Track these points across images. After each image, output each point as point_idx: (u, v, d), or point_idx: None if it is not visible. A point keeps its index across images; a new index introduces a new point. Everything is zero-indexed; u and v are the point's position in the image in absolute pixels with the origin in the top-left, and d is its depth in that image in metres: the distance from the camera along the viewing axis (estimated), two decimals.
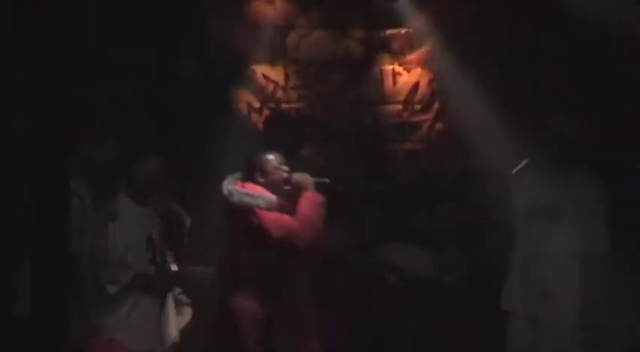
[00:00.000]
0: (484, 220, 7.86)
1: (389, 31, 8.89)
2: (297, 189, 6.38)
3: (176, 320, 7.08)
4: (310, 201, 6.29)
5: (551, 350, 6.92)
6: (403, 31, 8.87)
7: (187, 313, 7.27)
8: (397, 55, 8.94)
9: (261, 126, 9.06)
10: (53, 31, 6.46)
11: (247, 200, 6.28)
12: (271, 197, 6.31)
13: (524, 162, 6.90)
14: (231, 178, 6.48)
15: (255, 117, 9.04)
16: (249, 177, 6.45)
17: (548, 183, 6.92)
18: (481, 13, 8.52)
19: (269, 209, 6.26)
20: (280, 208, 6.31)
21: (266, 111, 9.07)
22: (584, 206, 6.80)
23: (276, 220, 6.21)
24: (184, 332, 7.12)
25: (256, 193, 6.32)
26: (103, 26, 8.27)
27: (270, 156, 6.51)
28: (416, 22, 8.75)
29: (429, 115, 8.90)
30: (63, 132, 6.49)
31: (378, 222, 8.42)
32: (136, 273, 6.70)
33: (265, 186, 6.37)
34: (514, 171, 6.93)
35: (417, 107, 8.91)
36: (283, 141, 7.93)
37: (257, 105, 9.05)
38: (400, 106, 8.93)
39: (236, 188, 6.37)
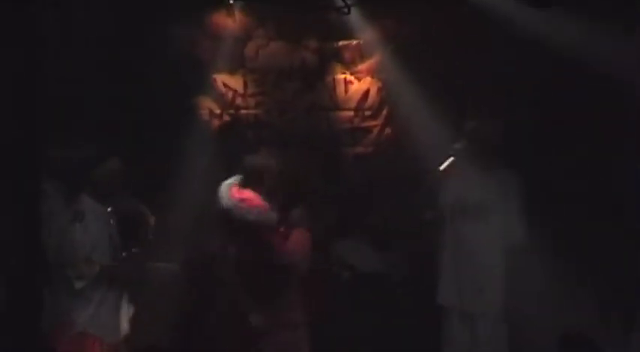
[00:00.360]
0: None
1: (341, 43, 9.09)
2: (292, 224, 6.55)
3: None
4: (304, 237, 6.51)
5: (484, 343, 7.10)
6: (354, 42, 9.06)
7: (131, 308, 7.34)
8: (349, 65, 9.14)
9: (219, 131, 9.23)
10: (27, 37, 6.46)
11: (242, 213, 6.43)
12: (266, 213, 6.41)
13: (451, 159, 7.06)
14: (228, 183, 6.62)
15: (215, 122, 9.15)
16: (248, 183, 6.57)
17: (472, 182, 7.13)
18: (424, 28, 8.72)
19: (263, 223, 6.42)
20: (273, 222, 6.47)
21: (226, 117, 9.16)
22: (505, 202, 7.02)
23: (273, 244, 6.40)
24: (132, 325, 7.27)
25: (252, 207, 6.42)
26: (72, 35, 8.43)
27: (271, 163, 6.63)
28: (366, 35, 8.94)
29: (379, 121, 9.09)
30: (34, 133, 6.45)
31: (333, 221, 8.56)
32: (101, 268, 6.78)
33: (263, 193, 6.52)
34: (441, 168, 7.09)
35: (367, 113, 9.12)
36: (236, 147, 8.12)
37: (218, 111, 9.17)
38: (352, 112, 9.14)
39: (233, 198, 6.50)
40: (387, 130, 9.09)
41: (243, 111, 9.18)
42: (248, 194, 6.53)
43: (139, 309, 7.28)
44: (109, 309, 6.92)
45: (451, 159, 7.10)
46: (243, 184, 6.58)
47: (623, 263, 7.53)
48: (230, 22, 9.03)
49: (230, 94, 9.18)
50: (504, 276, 7.15)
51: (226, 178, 6.89)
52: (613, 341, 7.12)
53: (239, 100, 9.19)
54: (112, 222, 7.03)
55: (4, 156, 6.35)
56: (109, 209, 7.04)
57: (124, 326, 7.05)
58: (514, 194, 7.09)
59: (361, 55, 9.11)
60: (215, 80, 9.16)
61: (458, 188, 7.20)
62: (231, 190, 6.60)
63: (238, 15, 9.02)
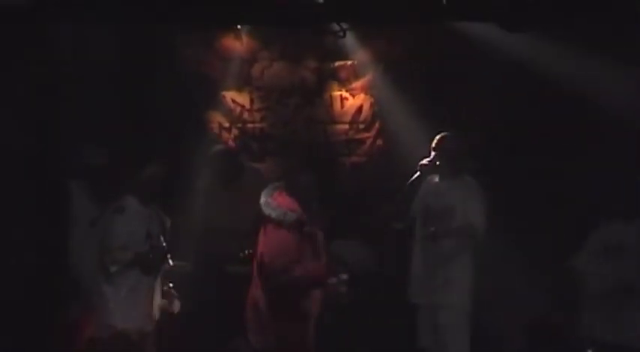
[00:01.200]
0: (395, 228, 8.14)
1: (337, 63, 9.36)
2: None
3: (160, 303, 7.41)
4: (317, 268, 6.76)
5: (453, 334, 7.31)
6: (349, 62, 9.33)
7: (177, 305, 7.66)
8: (344, 83, 9.40)
9: (231, 142, 9.39)
10: (48, 52, 7.11)
11: (269, 210, 6.79)
12: (289, 215, 6.73)
13: (417, 174, 7.42)
14: (275, 186, 6.98)
15: (225, 134, 9.42)
16: (289, 190, 6.90)
17: (439, 189, 7.46)
18: (412, 49, 9.05)
19: (289, 225, 6.73)
20: (299, 225, 6.77)
21: (234, 130, 9.39)
22: (468, 203, 7.33)
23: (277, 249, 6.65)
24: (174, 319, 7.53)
25: (282, 207, 6.76)
26: (92, 53, 8.60)
27: (310, 179, 6.90)
28: (360, 56, 9.23)
29: (371, 133, 9.36)
30: (61, 143, 7.19)
31: (329, 222, 8.34)
32: (134, 254, 7.11)
33: (300, 200, 6.85)
34: (408, 182, 7.44)
35: (361, 126, 9.37)
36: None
37: (226, 124, 9.44)
38: (347, 126, 9.40)
39: (269, 197, 6.84)
40: (379, 142, 9.33)
41: (249, 125, 9.42)
42: (284, 199, 6.86)
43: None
44: (141, 295, 7.22)
45: (417, 174, 7.43)
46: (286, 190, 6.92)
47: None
48: (238, 45, 9.28)
49: (238, 109, 9.43)
50: (469, 271, 7.37)
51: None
52: (576, 324, 7.34)
53: (246, 115, 9.43)
54: (153, 221, 7.34)
55: (33, 163, 6.90)
56: (149, 209, 7.33)
57: (155, 313, 7.33)
58: (475, 197, 7.34)
59: (355, 74, 9.36)
60: (224, 97, 9.42)
61: (426, 196, 7.49)
62: (273, 192, 6.94)
63: (245, 39, 9.26)
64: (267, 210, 6.81)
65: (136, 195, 7.29)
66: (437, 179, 7.59)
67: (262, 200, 6.86)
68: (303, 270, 6.74)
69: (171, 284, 7.58)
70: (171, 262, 7.48)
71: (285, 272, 6.75)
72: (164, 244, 7.36)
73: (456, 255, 7.38)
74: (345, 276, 6.93)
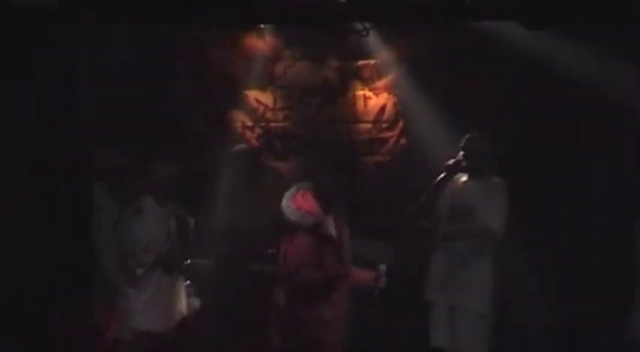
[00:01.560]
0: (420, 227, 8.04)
1: (360, 62, 9.35)
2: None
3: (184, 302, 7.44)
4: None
5: (468, 335, 7.32)
6: (372, 62, 9.32)
7: (196, 302, 7.72)
8: (367, 82, 9.39)
9: (254, 141, 9.45)
10: (70, 61, 7.10)
11: (287, 212, 6.94)
12: (307, 218, 6.87)
13: (442, 175, 7.47)
14: (299, 187, 7.08)
15: (248, 133, 9.48)
16: (315, 192, 7.02)
17: (463, 190, 7.48)
18: (435, 48, 9.04)
19: (305, 228, 6.88)
20: (316, 229, 6.92)
21: (257, 129, 9.44)
22: (489, 204, 7.33)
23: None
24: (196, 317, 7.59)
25: (300, 210, 6.90)
26: (118, 52, 8.74)
27: (335, 175, 7.07)
28: (383, 55, 9.22)
29: (394, 132, 9.35)
30: (86, 145, 7.23)
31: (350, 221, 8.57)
32: (157, 255, 7.17)
33: (322, 204, 6.99)
34: (434, 182, 7.48)
35: (384, 125, 9.37)
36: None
37: (250, 124, 9.49)
38: (370, 125, 9.39)
39: (290, 200, 6.97)
40: (402, 141, 9.33)
41: (272, 124, 9.48)
42: (305, 201, 7.00)
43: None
44: (165, 295, 7.26)
45: (443, 174, 7.50)
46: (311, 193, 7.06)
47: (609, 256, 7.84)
48: (261, 44, 9.36)
49: (261, 109, 9.50)
50: (488, 273, 7.38)
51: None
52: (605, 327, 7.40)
53: (269, 114, 9.49)
54: (171, 221, 7.38)
55: (56, 166, 6.96)
56: (167, 209, 7.36)
57: (180, 312, 7.37)
58: (497, 198, 7.36)
59: (378, 73, 9.35)
60: (247, 96, 9.48)
61: (451, 196, 7.50)
62: (295, 194, 7.07)
63: (268, 38, 9.33)
64: (286, 213, 6.95)
65: (152, 195, 7.34)
66: (463, 179, 7.61)
67: (284, 202, 6.98)
68: (317, 272, 6.91)
69: (188, 282, 7.62)
70: (189, 261, 7.54)
71: (299, 274, 6.93)
72: (184, 243, 7.41)
73: (474, 256, 7.40)
74: (383, 267, 7.15)
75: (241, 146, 8.96)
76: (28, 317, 7.07)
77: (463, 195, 7.52)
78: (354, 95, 9.47)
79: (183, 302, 7.46)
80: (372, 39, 8.81)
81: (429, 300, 7.54)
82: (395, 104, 9.42)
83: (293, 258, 6.88)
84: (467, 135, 7.58)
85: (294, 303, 6.97)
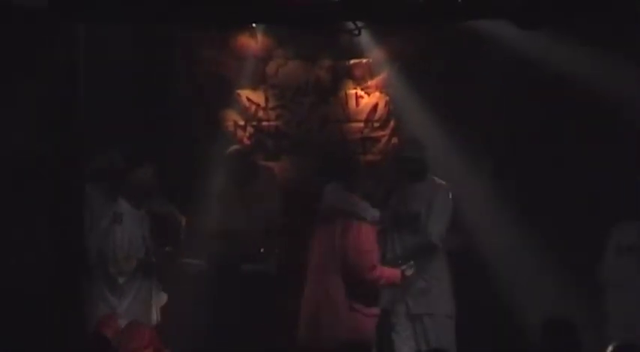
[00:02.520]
0: None
1: (352, 61, 9.37)
2: None
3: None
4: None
5: (438, 339, 7.47)
6: (364, 61, 9.34)
7: (164, 297, 7.71)
8: (359, 81, 9.41)
9: (246, 140, 9.37)
10: (66, 56, 6.95)
11: (349, 207, 7.02)
12: (374, 210, 7.00)
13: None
14: (336, 184, 7.20)
15: (240, 133, 9.43)
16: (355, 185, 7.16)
17: (406, 196, 7.68)
18: (427, 47, 9.11)
19: (373, 220, 6.99)
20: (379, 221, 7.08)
21: (249, 129, 9.40)
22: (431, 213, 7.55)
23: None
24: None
25: (363, 202, 6.99)
26: (109, 55, 8.63)
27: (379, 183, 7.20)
28: (374, 54, 9.26)
29: (386, 131, 9.38)
30: (77, 146, 7.02)
31: None
32: (137, 262, 7.23)
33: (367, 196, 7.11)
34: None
35: (376, 124, 9.40)
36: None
37: (242, 123, 9.44)
38: (362, 124, 9.42)
39: (344, 193, 7.07)
40: (394, 140, 9.34)
41: (264, 123, 9.45)
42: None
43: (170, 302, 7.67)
44: (142, 300, 7.37)
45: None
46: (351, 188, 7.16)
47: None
48: (253, 43, 9.33)
49: (253, 108, 9.46)
50: (447, 274, 7.58)
51: None
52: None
53: (261, 113, 9.47)
54: (145, 223, 7.43)
55: (48, 168, 6.86)
56: (143, 211, 7.41)
57: (156, 314, 7.44)
58: (438, 202, 7.58)
59: (370, 72, 9.39)
60: (239, 95, 9.44)
61: (395, 202, 7.75)
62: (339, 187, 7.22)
63: (260, 37, 9.30)
64: (346, 206, 6.96)
65: (128, 198, 7.36)
66: (406, 184, 7.82)
67: (336, 195, 7.03)
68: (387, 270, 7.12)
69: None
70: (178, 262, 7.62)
71: (374, 269, 7.04)
72: (175, 243, 7.52)
73: (429, 262, 7.55)
74: (412, 261, 7.10)
75: (234, 147, 8.96)
76: (20, 318, 7.03)
77: (406, 201, 7.66)
78: (346, 94, 9.50)
79: (159, 305, 7.52)
80: (364, 38, 8.78)
81: (386, 309, 7.60)
82: (387, 103, 9.45)
83: (365, 253, 6.96)
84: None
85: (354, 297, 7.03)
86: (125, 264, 7.24)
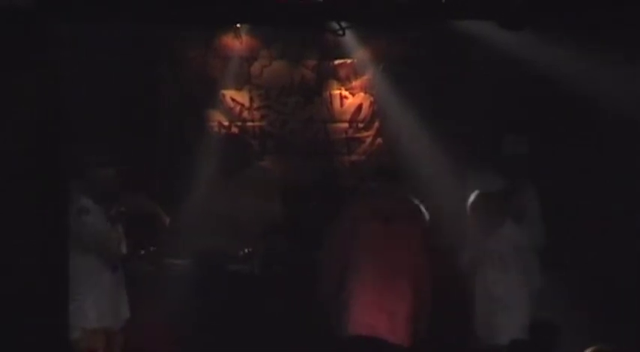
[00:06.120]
0: None
1: (337, 62, 9.40)
2: None
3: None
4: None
5: None
6: (349, 61, 9.37)
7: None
8: (344, 82, 9.45)
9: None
10: (48, 55, 6.68)
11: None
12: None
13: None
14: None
15: (224, 133, 9.34)
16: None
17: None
18: (412, 48, 9.18)
19: None
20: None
21: (234, 129, 9.39)
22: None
23: None
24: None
25: None
26: (92, 56, 8.63)
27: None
28: (359, 54, 9.27)
29: (371, 132, 9.43)
30: (61, 147, 6.76)
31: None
32: (107, 259, 7.17)
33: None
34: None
35: (361, 125, 9.44)
36: (231, 158, 8.50)
37: (226, 123, 9.42)
38: (346, 124, 9.46)
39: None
40: (378, 140, 9.42)
41: (249, 124, 9.45)
42: None
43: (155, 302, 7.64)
44: (110, 294, 7.28)
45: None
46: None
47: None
48: (237, 44, 9.33)
49: (237, 108, 9.46)
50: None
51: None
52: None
53: (245, 113, 9.47)
54: (117, 222, 7.35)
55: (30, 159, 6.57)
56: (122, 209, 7.35)
57: (125, 311, 7.40)
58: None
59: (355, 72, 9.42)
60: (224, 95, 9.44)
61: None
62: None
63: (245, 37, 9.31)
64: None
65: (91, 196, 7.29)
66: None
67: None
68: None
69: None
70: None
71: None
72: (158, 242, 7.55)
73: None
74: None
75: (233, 133, 9.02)
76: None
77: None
78: (331, 95, 9.53)
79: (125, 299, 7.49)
80: (349, 38, 8.79)
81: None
82: (371, 104, 9.49)
83: None
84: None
85: None
86: (93, 256, 7.19)
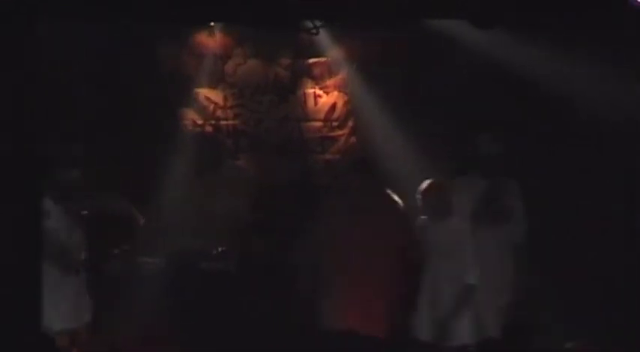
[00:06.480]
0: None
1: (311, 60, 9.39)
2: None
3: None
4: None
5: None
6: (323, 60, 9.37)
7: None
8: (318, 80, 9.44)
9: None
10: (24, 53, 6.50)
11: None
12: None
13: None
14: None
15: (198, 131, 9.27)
16: None
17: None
18: (385, 47, 9.14)
19: None
20: None
21: (208, 127, 9.38)
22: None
23: None
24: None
25: None
26: (65, 52, 8.70)
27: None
28: (333, 53, 9.29)
29: (345, 131, 9.43)
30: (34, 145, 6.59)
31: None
32: (70, 262, 7.22)
33: None
34: None
35: (335, 124, 9.45)
36: (204, 155, 8.52)
37: (200, 122, 9.41)
38: (320, 123, 9.46)
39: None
40: (352, 139, 9.42)
41: (223, 122, 9.44)
42: None
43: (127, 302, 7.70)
44: (71, 296, 7.31)
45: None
46: None
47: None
48: (211, 42, 9.33)
49: (211, 107, 9.45)
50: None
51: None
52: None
53: (219, 112, 9.46)
54: (81, 222, 7.38)
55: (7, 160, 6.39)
56: (83, 212, 7.37)
57: (86, 313, 7.43)
58: None
59: (329, 71, 9.42)
60: (198, 94, 9.43)
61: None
62: None
63: (219, 36, 9.31)
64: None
65: (51, 196, 7.28)
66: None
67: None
68: None
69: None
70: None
71: None
72: (132, 242, 7.57)
73: None
74: None
75: (203, 132, 9.06)
76: None
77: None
78: (305, 93, 9.53)
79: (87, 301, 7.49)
80: (323, 37, 8.85)
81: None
82: (345, 102, 9.50)
83: None
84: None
85: None
86: (56, 260, 7.18)
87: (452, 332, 7.31)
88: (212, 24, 9.10)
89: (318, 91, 9.53)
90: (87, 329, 7.44)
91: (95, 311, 7.54)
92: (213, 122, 9.52)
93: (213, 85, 9.52)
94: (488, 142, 7.73)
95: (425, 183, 7.48)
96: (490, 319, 7.44)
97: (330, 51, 9.34)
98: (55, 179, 7.25)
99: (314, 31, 8.06)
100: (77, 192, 7.33)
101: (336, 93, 9.52)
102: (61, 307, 7.17)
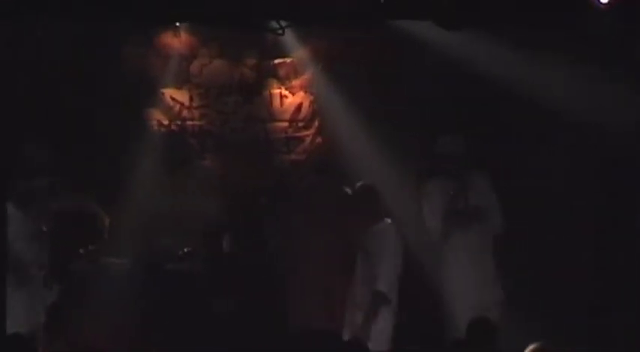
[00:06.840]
0: None
1: (276, 61, 9.43)
2: None
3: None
4: None
5: None
6: (288, 60, 9.40)
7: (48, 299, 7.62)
8: (283, 81, 9.48)
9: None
10: None
11: None
12: None
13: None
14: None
15: (163, 132, 9.32)
16: None
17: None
18: (351, 47, 9.20)
19: None
20: None
21: (173, 127, 9.40)
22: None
23: None
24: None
25: None
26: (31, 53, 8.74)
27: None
28: (299, 54, 9.31)
29: (311, 131, 9.48)
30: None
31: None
32: (29, 265, 7.23)
33: None
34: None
35: (301, 124, 9.48)
36: (171, 155, 8.63)
37: (166, 122, 9.42)
38: (286, 123, 9.49)
39: None
40: (318, 139, 9.47)
41: (188, 122, 9.45)
42: None
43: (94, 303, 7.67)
44: (24, 298, 7.31)
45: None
46: None
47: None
48: (177, 42, 9.32)
49: (177, 107, 9.46)
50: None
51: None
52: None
53: (185, 112, 9.46)
54: (41, 224, 7.39)
55: None
56: (35, 213, 7.35)
57: (40, 315, 7.42)
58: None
59: (295, 71, 9.45)
60: (163, 94, 9.44)
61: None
62: None
63: (184, 36, 9.30)
64: None
65: (13, 201, 7.24)
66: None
67: None
68: None
69: None
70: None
71: None
72: (98, 242, 7.53)
73: None
74: None
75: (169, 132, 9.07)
76: None
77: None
78: (271, 94, 9.54)
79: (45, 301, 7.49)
80: (288, 38, 8.82)
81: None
82: (311, 103, 9.53)
83: None
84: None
85: None
86: (19, 266, 7.20)
87: (369, 336, 7.34)
88: (177, 24, 9.07)
89: (284, 92, 9.55)
90: (46, 329, 7.40)
91: (57, 311, 7.52)
92: (179, 122, 9.52)
93: (178, 86, 9.52)
94: (453, 143, 7.76)
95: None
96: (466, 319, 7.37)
97: (296, 51, 9.35)
98: (16, 186, 7.25)
99: (279, 31, 8.00)
100: (41, 196, 7.32)
101: (301, 93, 9.54)
102: (15, 310, 7.08)
